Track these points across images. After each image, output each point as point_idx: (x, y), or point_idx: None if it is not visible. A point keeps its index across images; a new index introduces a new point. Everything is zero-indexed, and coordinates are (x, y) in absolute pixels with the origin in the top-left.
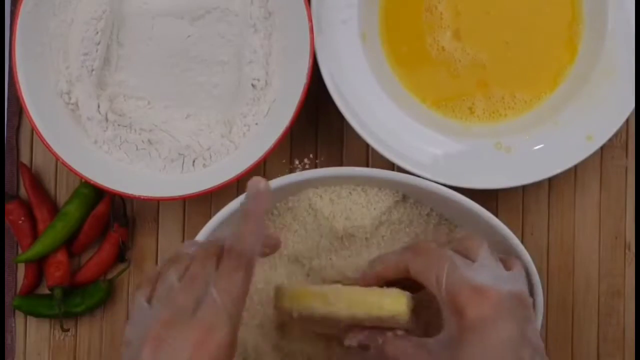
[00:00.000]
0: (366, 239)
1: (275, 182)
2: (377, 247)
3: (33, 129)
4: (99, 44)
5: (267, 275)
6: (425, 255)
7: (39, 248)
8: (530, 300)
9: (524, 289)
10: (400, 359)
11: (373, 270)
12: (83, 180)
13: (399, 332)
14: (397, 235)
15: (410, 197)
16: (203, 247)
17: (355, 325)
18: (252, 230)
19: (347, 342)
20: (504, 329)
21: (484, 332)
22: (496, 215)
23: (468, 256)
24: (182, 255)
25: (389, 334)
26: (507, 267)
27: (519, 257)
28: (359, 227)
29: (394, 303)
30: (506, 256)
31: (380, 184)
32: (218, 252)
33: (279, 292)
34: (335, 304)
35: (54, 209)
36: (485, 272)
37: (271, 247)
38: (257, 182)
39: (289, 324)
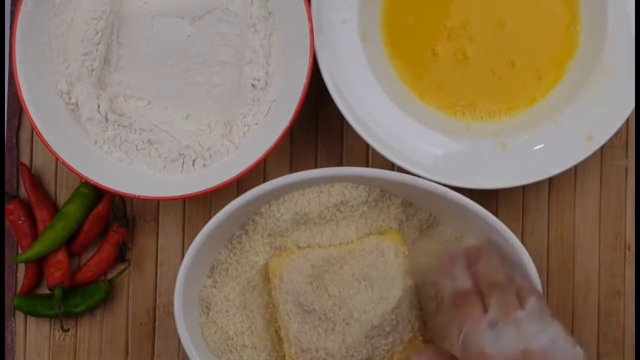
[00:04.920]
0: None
1: (275, 182)
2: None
3: (33, 129)
4: (99, 44)
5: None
6: (466, 303)
7: (39, 248)
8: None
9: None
10: None
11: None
12: (83, 180)
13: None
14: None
15: (409, 197)
16: None
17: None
18: None
19: None
20: None
21: None
22: (496, 215)
23: (519, 298)
24: None
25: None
26: None
27: (518, 257)
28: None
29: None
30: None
31: (380, 183)
32: None
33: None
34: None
35: (54, 209)
36: (508, 337)
37: None
38: None
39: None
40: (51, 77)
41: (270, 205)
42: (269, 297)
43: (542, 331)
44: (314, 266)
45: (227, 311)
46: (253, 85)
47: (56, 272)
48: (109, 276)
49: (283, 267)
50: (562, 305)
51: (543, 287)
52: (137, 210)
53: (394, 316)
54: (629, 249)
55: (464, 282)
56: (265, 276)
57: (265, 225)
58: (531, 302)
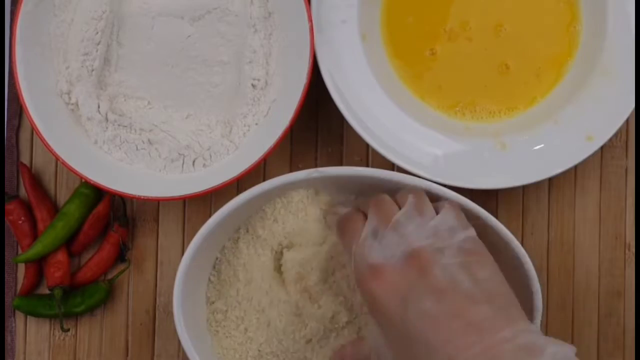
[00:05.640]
0: None
1: (274, 182)
2: None
3: (33, 129)
4: (99, 44)
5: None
6: (348, 223)
7: (39, 248)
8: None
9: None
10: None
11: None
12: (83, 180)
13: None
14: None
15: None
16: None
17: None
18: None
19: None
20: (389, 308)
21: (375, 313)
22: (496, 215)
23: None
24: None
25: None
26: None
27: (517, 258)
28: None
29: None
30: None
31: (379, 184)
32: None
33: None
34: None
35: (54, 209)
36: (391, 242)
37: None
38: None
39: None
40: (51, 77)
41: (269, 205)
42: (272, 295)
43: (421, 226)
44: (325, 260)
45: (228, 311)
46: (253, 85)
47: (56, 272)
48: (109, 276)
49: (290, 261)
50: (562, 305)
51: (543, 287)
52: (137, 210)
53: None
54: (629, 249)
55: (348, 209)
56: (268, 273)
57: (265, 225)
58: (410, 200)
